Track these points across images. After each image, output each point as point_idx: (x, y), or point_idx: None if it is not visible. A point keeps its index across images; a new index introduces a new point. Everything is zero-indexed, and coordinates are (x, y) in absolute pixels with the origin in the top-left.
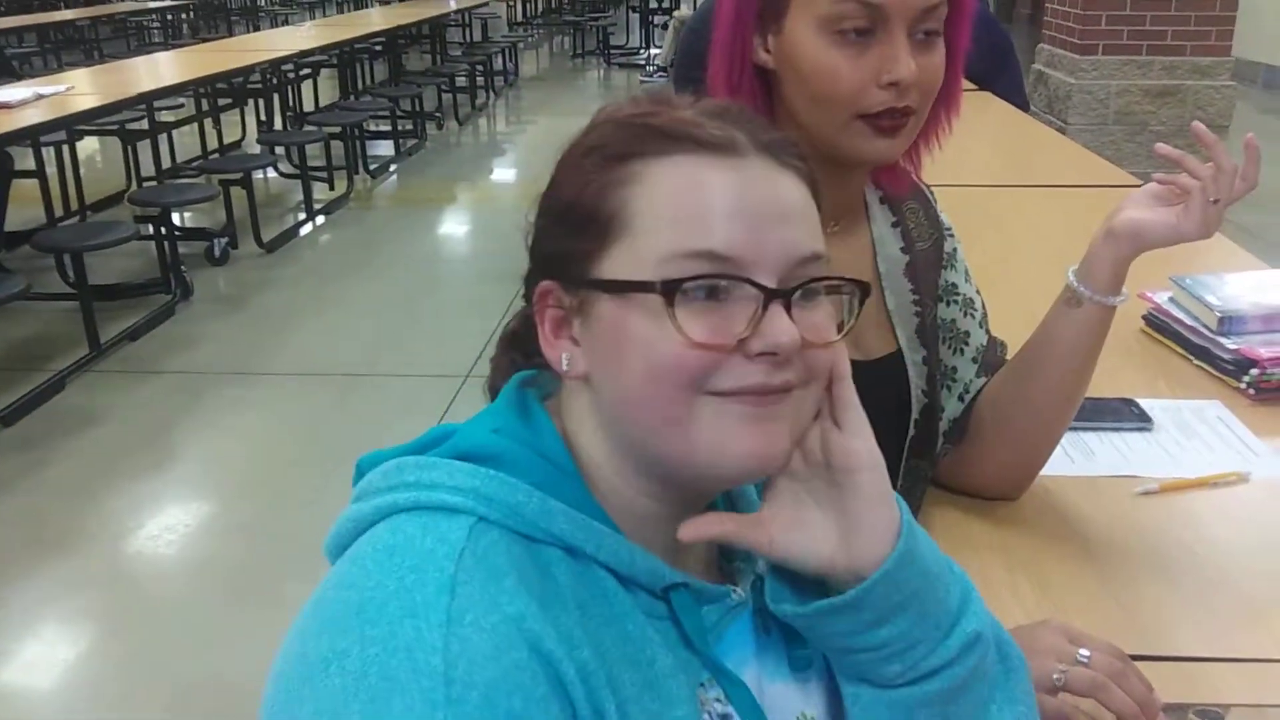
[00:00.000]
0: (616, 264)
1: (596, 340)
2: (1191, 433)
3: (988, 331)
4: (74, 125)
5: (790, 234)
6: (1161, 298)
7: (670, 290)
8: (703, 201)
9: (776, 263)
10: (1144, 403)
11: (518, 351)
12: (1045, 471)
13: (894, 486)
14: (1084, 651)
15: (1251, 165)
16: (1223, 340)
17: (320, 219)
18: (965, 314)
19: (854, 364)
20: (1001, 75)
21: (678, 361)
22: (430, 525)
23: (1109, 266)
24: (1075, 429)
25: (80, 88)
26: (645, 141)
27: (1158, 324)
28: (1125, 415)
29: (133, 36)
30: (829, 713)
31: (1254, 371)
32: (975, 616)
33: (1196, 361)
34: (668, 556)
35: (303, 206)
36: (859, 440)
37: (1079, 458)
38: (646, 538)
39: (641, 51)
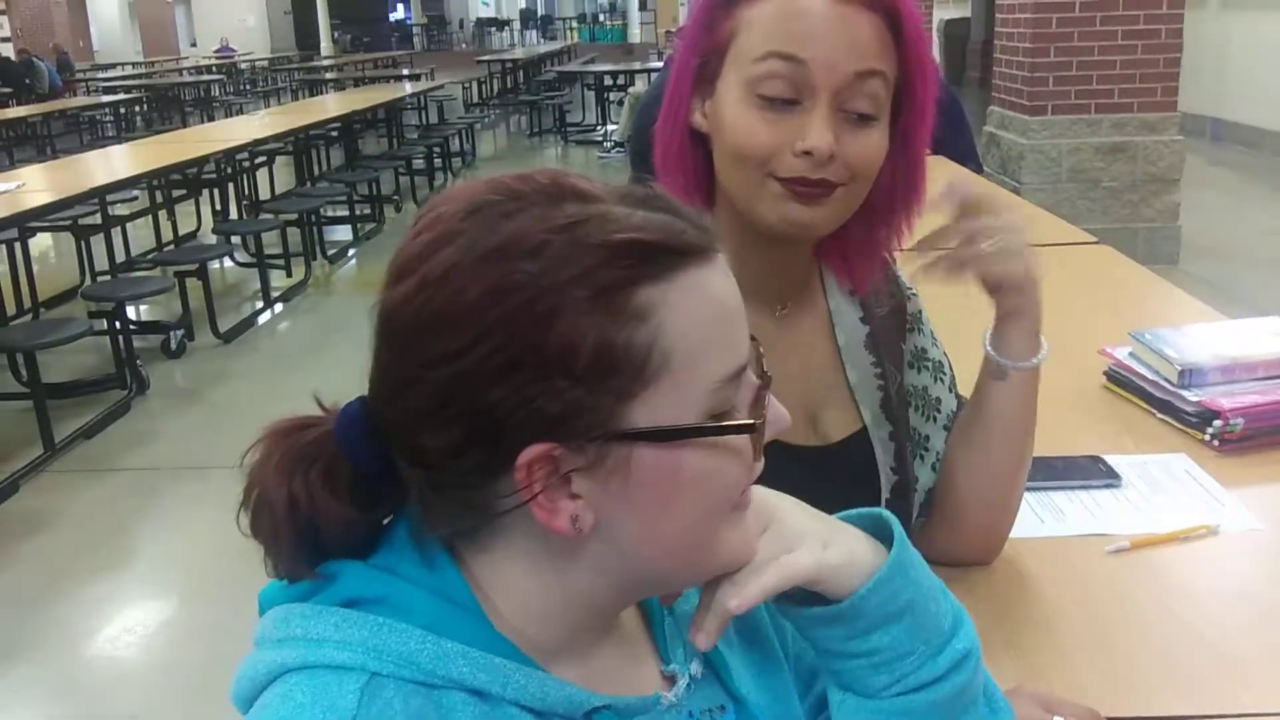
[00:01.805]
0: (659, 408)
1: (623, 491)
2: (1159, 487)
3: (957, 396)
4: (25, 223)
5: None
6: (1122, 353)
7: (758, 427)
8: (722, 316)
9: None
10: (1111, 459)
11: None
12: (1015, 534)
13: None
14: (1058, 719)
15: (955, 206)
16: (1184, 393)
17: (278, 307)
18: (936, 379)
19: (815, 450)
20: (954, 139)
21: (741, 486)
22: (320, 692)
23: (1017, 334)
24: (1044, 489)
25: (32, 184)
26: (641, 264)
27: (1120, 379)
28: (1093, 473)
29: (85, 131)
30: None
31: (1217, 423)
32: (967, 638)
33: (1160, 415)
34: (596, 659)
35: (260, 295)
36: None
37: (1048, 518)
38: (572, 649)
39: (598, 128)
